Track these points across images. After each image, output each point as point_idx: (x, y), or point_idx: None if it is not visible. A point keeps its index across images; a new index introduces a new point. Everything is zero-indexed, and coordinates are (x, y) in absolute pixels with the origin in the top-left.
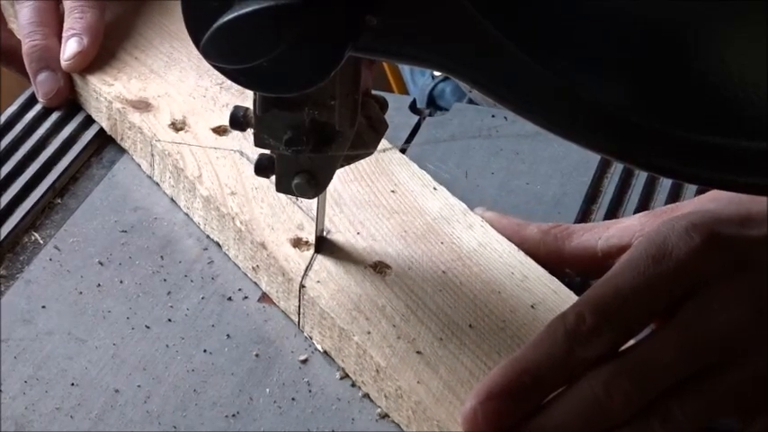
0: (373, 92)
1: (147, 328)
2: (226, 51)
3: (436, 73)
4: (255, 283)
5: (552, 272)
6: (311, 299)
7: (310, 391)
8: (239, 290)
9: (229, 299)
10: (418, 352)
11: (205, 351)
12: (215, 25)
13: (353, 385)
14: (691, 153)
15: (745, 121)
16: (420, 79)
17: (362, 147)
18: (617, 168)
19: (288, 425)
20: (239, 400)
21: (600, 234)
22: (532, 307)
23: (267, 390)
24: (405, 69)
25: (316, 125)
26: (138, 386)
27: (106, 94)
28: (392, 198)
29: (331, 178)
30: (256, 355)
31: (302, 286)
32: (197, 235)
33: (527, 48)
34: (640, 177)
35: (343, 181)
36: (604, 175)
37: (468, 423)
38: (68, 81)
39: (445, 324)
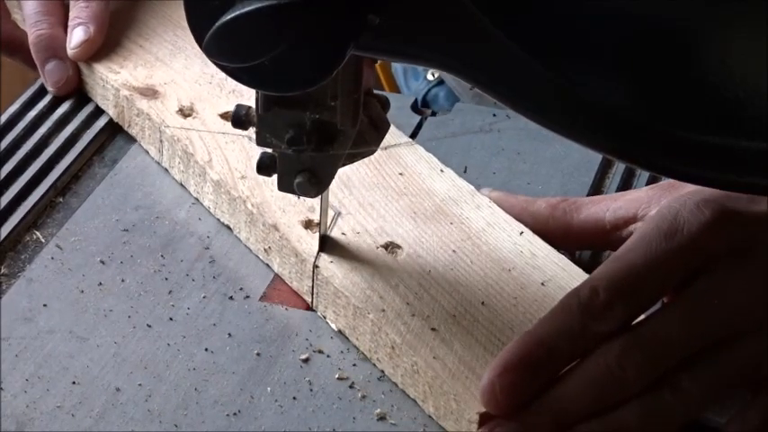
0: (375, 91)
1: (149, 326)
2: (228, 50)
3: (430, 77)
4: (267, 264)
5: (561, 245)
6: (325, 278)
7: (311, 390)
8: (240, 289)
9: (231, 298)
10: (433, 329)
11: (206, 350)
12: (217, 24)
13: (353, 386)
14: (691, 153)
15: (745, 121)
16: (413, 84)
17: (364, 146)
18: (618, 168)
19: (289, 424)
20: (240, 398)
21: (608, 206)
22: (543, 284)
23: (268, 389)
24: (398, 73)
25: (317, 124)
26: (140, 385)
27: (113, 81)
28: (400, 180)
29: (333, 177)
30: (257, 354)
31: (315, 266)
32: (199, 234)
33: (528, 47)
34: (642, 177)
35: (351, 165)
36: (606, 175)
37: (486, 395)
38: (77, 69)
39: (458, 301)
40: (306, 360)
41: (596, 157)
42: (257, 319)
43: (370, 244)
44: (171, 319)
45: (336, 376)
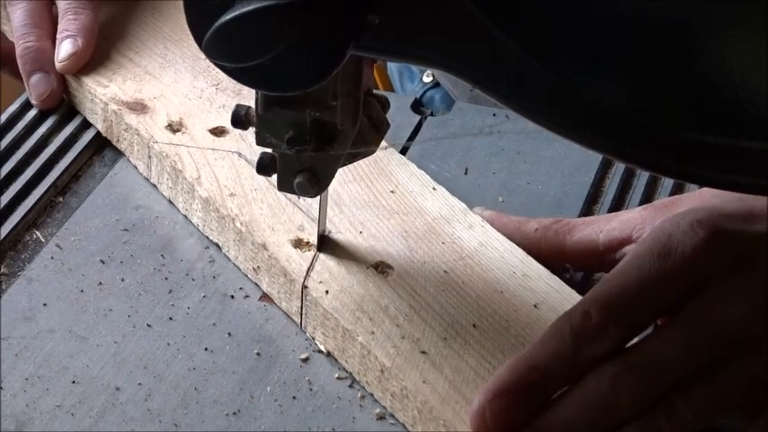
0: (375, 91)
1: (149, 326)
2: (227, 50)
3: (426, 79)
4: (256, 284)
5: (554, 268)
6: (314, 299)
7: (311, 390)
8: (240, 288)
9: (231, 297)
10: (423, 352)
11: (206, 349)
12: (216, 24)
13: (352, 386)
14: (691, 153)
15: (745, 121)
16: (409, 86)
17: (364, 145)
18: (618, 169)
19: (288, 423)
20: (240, 398)
21: (601, 228)
22: (535, 306)
23: (268, 388)
24: (394, 75)
25: (317, 124)
26: (139, 384)
27: (101, 95)
28: (392, 198)
29: (332, 177)
30: (257, 354)
31: (304, 287)
32: (198, 234)
33: (528, 47)
34: (641, 178)
35: (342, 182)
36: (606, 175)
37: (476, 421)
38: (62, 83)
39: (449, 324)
40: (306, 360)
41: (596, 157)
42: (257, 319)
43: (361, 264)
44: (171, 318)
45: (336, 376)
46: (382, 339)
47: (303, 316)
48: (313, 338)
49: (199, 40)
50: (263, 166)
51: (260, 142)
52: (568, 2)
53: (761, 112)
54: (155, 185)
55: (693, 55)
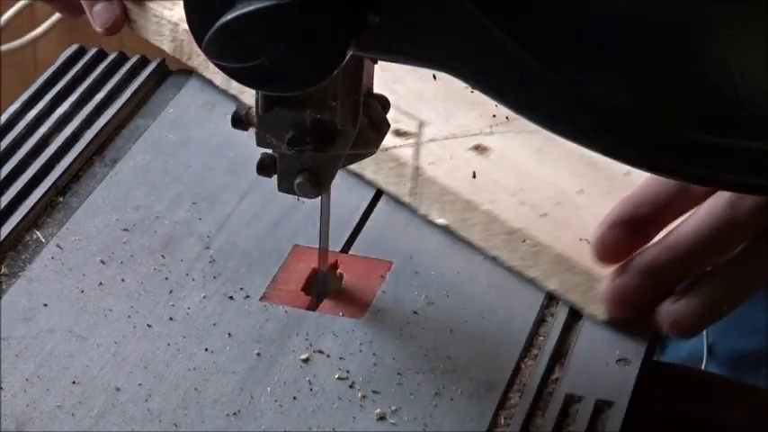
0: (376, 92)
1: (149, 326)
2: (228, 50)
3: None
4: (359, 175)
5: None
6: (429, 178)
7: (311, 390)
8: (241, 289)
9: (231, 298)
10: (543, 215)
11: (206, 350)
12: (217, 24)
13: (353, 386)
14: (691, 152)
15: (744, 120)
16: None
17: (364, 146)
18: None
19: (289, 424)
20: (240, 398)
21: None
22: (626, 174)
23: (268, 388)
24: None
25: (317, 124)
26: (140, 384)
27: (169, 17)
28: (468, 91)
29: (333, 178)
30: (258, 354)
31: (417, 168)
32: (199, 233)
33: (528, 46)
34: None
35: (417, 78)
36: None
37: (597, 247)
38: (123, 10)
39: (556, 191)
40: (306, 360)
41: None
42: (257, 319)
43: (459, 147)
44: (171, 318)
45: (336, 376)
46: (503, 207)
47: (417, 195)
48: (426, 215)
49: (199, 41)
50: (264, 167)
51: (260, 143)
52: (568, 1)
53: (761, 112)
54: (155, 185)
55: (693, 55)
